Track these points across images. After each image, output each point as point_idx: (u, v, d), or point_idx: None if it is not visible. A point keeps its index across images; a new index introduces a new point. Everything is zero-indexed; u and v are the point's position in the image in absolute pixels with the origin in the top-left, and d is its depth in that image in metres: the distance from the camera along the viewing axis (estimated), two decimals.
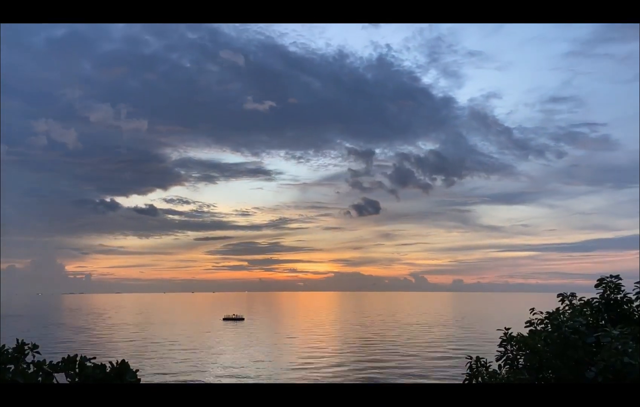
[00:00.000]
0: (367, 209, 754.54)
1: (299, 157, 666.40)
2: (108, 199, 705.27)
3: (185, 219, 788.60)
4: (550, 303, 9.98)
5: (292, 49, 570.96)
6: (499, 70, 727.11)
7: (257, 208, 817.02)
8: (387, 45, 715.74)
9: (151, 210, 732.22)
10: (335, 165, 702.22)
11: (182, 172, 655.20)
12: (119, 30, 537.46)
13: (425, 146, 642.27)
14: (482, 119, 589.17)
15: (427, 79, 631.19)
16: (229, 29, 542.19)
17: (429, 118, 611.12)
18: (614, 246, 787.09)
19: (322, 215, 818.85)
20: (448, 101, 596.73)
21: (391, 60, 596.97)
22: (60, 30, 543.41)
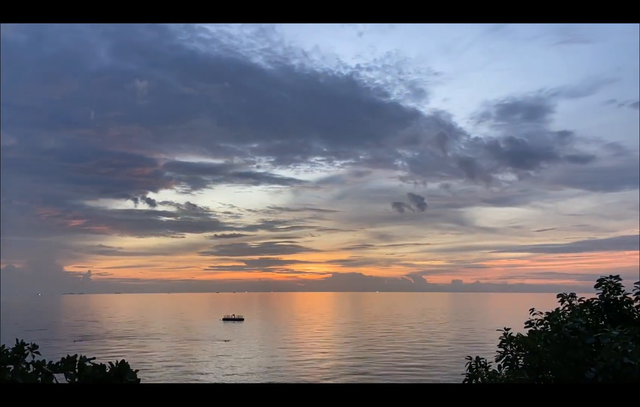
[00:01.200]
0: (409, 206, 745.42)
1: (288, 162, 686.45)
2: (104, 201, 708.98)
3: (183, 220, 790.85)
4: (548, 303, 9.97)
5: (268, 67, 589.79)
6: (462, 88, 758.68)
7: (251, 210, 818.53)
8: (357, 65, 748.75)
9: (147, 212, 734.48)
10: (322, 170, 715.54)
11: (174, 176, 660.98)
12: (106, 48, 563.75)
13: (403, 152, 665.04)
14: (448, 129, 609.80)
15: (396, 94, 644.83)
16: (209, 51, 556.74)
17: (402, 128, 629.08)
18: (607, 247, 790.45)
19: (317, 218, 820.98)
20: (418, 113, 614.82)
21: (362, 78, 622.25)
22: (51, 49, 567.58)
